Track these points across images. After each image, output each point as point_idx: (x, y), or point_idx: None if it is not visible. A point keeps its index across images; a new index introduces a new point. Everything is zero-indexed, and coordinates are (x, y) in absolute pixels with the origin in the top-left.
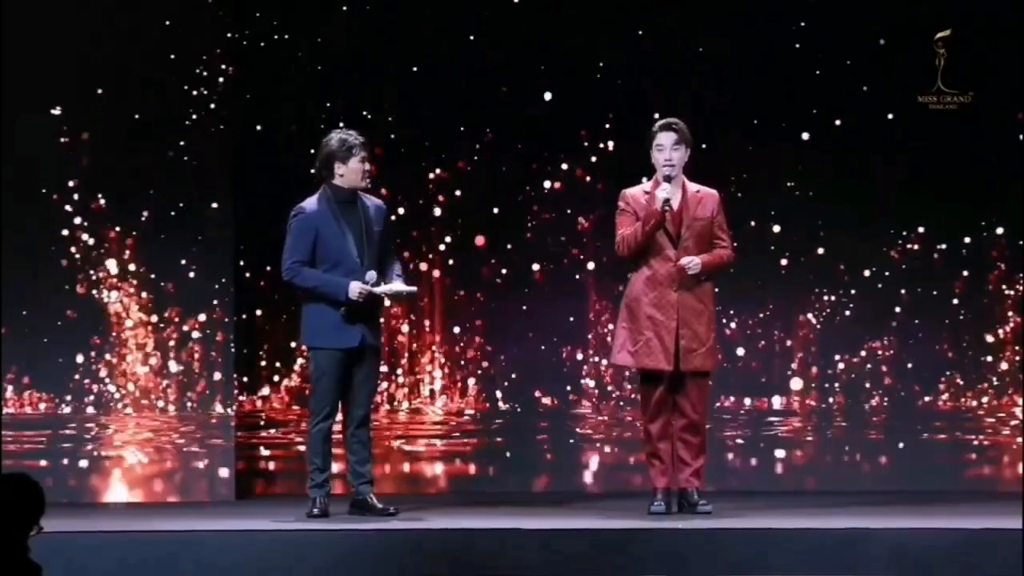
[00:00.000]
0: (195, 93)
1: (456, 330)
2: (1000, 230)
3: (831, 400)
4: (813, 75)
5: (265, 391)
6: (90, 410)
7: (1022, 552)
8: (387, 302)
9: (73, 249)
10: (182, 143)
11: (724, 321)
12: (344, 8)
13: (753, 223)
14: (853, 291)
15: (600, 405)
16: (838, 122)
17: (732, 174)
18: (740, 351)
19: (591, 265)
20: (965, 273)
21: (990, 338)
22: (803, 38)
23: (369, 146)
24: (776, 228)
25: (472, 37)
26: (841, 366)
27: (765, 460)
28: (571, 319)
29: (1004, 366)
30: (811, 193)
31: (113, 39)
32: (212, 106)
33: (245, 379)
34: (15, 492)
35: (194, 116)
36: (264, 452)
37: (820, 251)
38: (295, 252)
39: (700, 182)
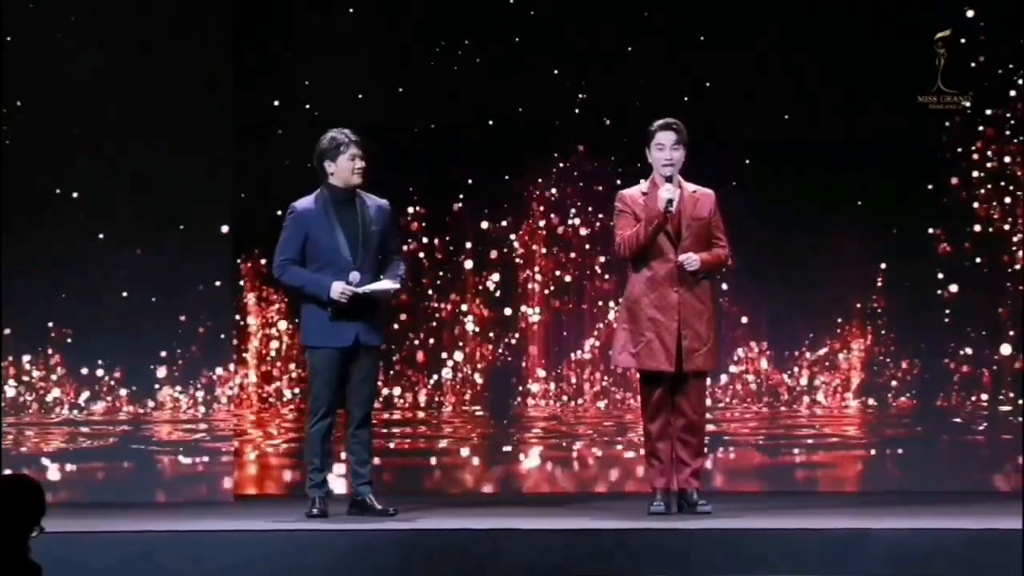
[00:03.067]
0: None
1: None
2: (998, 229)
3: (831, 400)
4: (813, 75)
5: (265, 390)
6: (89, 409)
7: (1022, 552)
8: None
9: (73, 246)
10: (183, 138)
11: (731, 321)
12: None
13: (751, 224)
14: (852, 291)
15: (600, 405)
16: (838, 122)
17: (730, 175)
18: (741, 351)
19: (591, 266)
20: (964, 273)
21: (990, 338)
22: (803, 38)
23: (362, 144)
24: (774, 229)
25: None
26: (839, 366)
27: (765, 460)
28: (573, 319)
29: (1002, 366)
30: (810, 194)
31: (117, 38)
32: (212, 102)
33: (245, 378)
34: (15, 493)
35: (195, 115)
36: (263, 452)
37: (819, 251)
38: (285, 250)
39: (696, 182)
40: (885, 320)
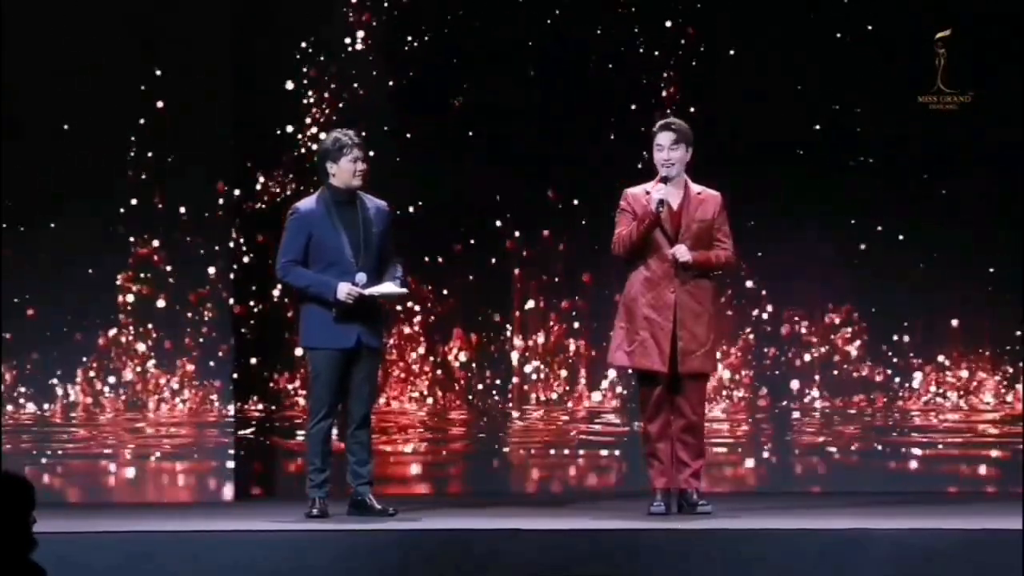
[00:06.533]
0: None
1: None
2: (1000, 231)
3: (831, 400)
4: (812, 74)
5: (266, 391)
6: (90, 410)
7: (1022, 552)
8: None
9: (73, 245)
10: (183, 137)
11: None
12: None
13: (750, 225)
14: (852, 292)
15: (600, 405)
16: (838, 123)
17: (731, 176)
18: (739, 353)
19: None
20: (966, 273)
21: (990, 338)
22: (802, 37)
23: (364, 147)
24: (775, 230)
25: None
26: (838, 366)
27: (765, 460)
28: (576, 317)
29: (1003, 366)
30: (810, 194)
31: (117, 37)
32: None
33: (245, 379)
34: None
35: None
36: (264, 452)
37: (820, 251)
38: (288, 251)
39: (702, 184)
40: (884, 320)
